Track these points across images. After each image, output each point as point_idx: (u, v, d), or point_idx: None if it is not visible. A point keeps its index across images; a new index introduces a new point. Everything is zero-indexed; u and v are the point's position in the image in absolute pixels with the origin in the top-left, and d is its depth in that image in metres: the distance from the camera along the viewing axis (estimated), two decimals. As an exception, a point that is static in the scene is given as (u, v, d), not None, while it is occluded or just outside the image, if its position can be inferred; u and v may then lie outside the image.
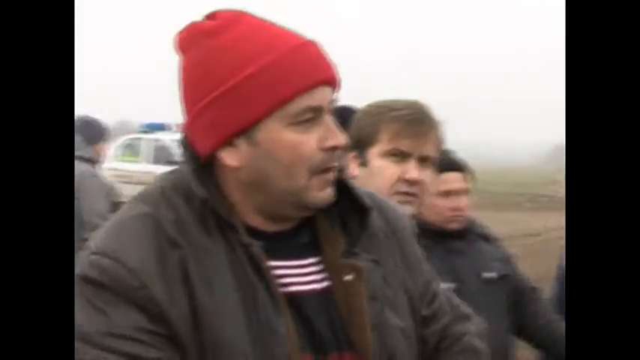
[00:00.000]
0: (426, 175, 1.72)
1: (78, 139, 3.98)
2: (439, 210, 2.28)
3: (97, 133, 4.26)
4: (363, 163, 1.72)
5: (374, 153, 1.71)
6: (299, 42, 1.02)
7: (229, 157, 1.02)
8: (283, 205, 1.05)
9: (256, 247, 1.02)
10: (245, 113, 0.99)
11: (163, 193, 1.05)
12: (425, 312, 1.18)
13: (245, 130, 1.00)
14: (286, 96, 0.99)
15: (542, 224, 12.22)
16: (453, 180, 2.29)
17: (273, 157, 1.01)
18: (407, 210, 1.65)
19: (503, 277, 2.39)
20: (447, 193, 2.27)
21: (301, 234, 1.09)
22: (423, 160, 1.71)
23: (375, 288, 1.10)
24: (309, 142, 1.01)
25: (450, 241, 2.33)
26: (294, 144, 1.01)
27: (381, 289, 1.11)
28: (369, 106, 1.78)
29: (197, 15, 1.07)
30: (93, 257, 0.99)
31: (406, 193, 1.69)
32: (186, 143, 1.07)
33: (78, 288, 0.98)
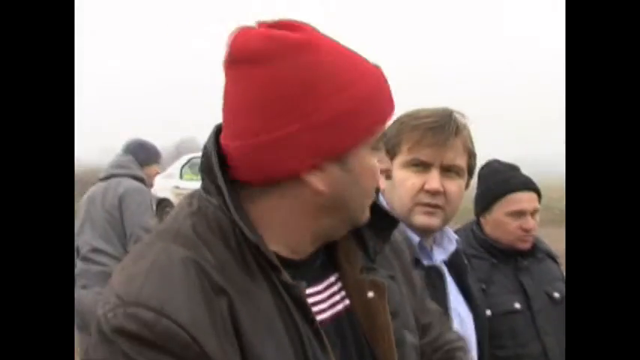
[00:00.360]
0: (451, 184, 1.63)
1: (130, 159, 4.13)
2: (510, 229, 2.26)
3: (149, 155, 4.29)
4: (389, 176, 1.66)
5: (397, 164, 1.65)
6: (376, 69, 1.00)
7: (318, 181, 0.96)
8: (342, 227, 1.04)
9: (301, 287, 0.97)
10: (345, 140, 0.95)
11: (197, 232, 0.94)
12: (423, 321, 1.20)
13: (340, 156, 0.96)
14: (378, 124, 0.99)
15: None
16: (525, 200, 2.27)
17: (359, 182, 1.00)
18: (430, 222, 1.62)
19: None
20: (519, 214, 2.25)
21: (318, 255, 1.06)
22: (447, 170, 1.63)
23: (395, 305, 1.09)
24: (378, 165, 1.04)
25: (518, 259, 2.30)
26: (375, 169, 1.02)
27: (399, 306, 1.11)
28: (398, 116, 1.71)
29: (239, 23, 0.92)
30: (130, 310, 0.86)
31: (428, 204, 1.62)
32: (215, 167, 0.96)
33: (108, 342, 0.86)
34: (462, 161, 1.65)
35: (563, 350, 2.21)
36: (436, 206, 1.63)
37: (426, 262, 1.67)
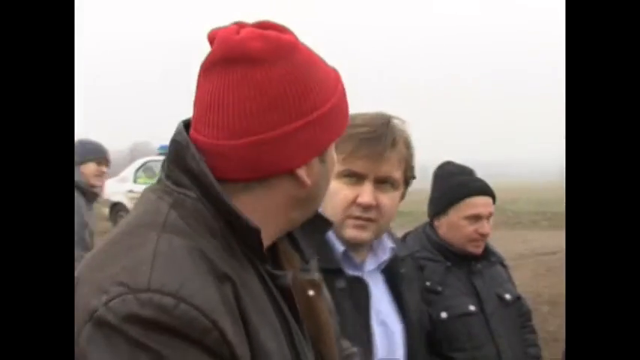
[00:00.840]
0: (384, 197, 1.59)
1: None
2: (465, 233, 2.27)
3: (82, 152, 3.99)
4: None
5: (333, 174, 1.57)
6: (337, 74, 1.08)
7: (305, 176, 1.00)
8: (302, 220, 1.08)
9: (288, 277, 1.00)
10: (331, 135, 1.01)
11: (187, 222, 0.94)
12: None
13: (324, 151, 1.03)
14: (348, 118, 1.06)
15: (558, 243, 11.96)
16: (481, 204, 2.29)
17: (329, 175, 1.07)
18: (360, 235, 1.57)
19: (517, 299, 2.40)
20: (475, 218, 2.27)
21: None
22: (381, 182, 1.58)
23: (328, 303, 1.14)
24: None
25: (472, 263, 2.33)
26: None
27: (330, 304, 1.16)
28: None
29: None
30: (143, 296, 0.84)
31: (360, 218, 1.58)
32: (196, 159, 0.96)
33: (113, 332, 0.83)
34: (397, 173, 1.61)
35: (516, 353, 2.25)
36: (368, 219, 1.59)
37: (350, 272, 1.63)
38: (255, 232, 0.96)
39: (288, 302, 1.00)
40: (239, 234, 0.96)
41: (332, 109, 1.00)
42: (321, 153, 1.01)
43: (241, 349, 0.88)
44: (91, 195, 4.12)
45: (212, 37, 0.98)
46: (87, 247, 3.82)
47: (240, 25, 0.98)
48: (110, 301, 0.84)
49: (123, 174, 15.02)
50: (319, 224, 1.12)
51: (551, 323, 6.11)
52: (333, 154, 1.06)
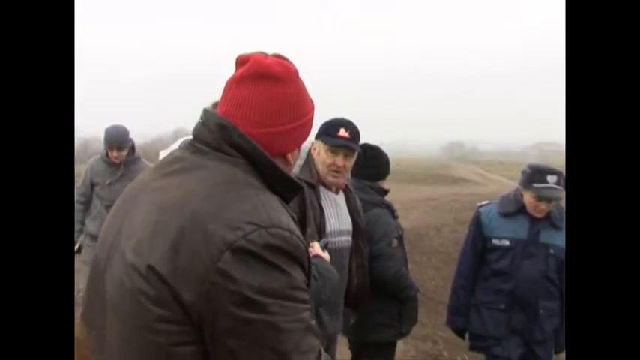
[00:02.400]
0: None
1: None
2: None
3: (107, 138, 4.86)
4: None
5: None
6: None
7: (291, 158, 1.44)
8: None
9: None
10: (307, 135, 1.47)
11: (258, 182, 1.34)
12: None
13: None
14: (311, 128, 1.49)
15: (439, 193, 18.35)
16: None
17: (296, 159, 1.51)
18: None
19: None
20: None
21: None
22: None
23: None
24: None
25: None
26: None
27: None
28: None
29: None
30: (272, 230, 1.21)
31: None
32: (251, 140, 1.33)
33: (254, 257, 1.18)
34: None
35: None
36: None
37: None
38: (298, 187, 1.42)
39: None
40: (279, 191, 1.37)
41: (312, 117, 1.45)
42: (299, 145, 1.45)
43: (309, 265, 1.32)
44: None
45: (243, 59, 1.40)
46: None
47: (264, 53, 1.41)
48: (248, 234, 1.18)
49: (171, 147, 22.57)
50: (295, 186, 1.43)
51: (435, 242, 10.19)
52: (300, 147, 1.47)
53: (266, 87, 1.36)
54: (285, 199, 1.37)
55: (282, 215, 1.25)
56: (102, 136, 4.98)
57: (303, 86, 1.43)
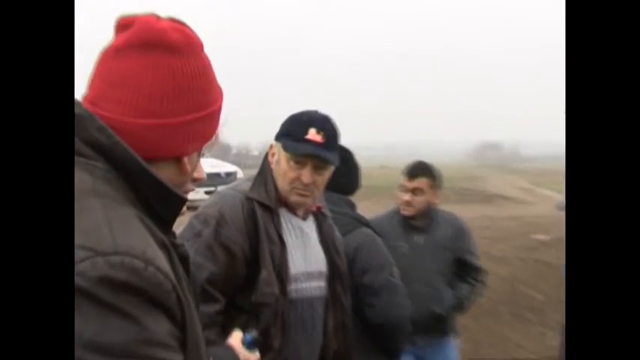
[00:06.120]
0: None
1: None
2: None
3: None
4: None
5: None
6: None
7: (187, 164, 1.08)
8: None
9: (186, 247, 1.10)
10: (213, 131, 1.11)
11: (101, 190, 0.96)
12: None
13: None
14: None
15: (466, 214, 13.69)
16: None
17: (195, 167, 1.14)
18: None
19: None
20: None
21: None
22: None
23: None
24: None
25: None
26: None
27: None
28: None
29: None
30: (113, 258, 0.85)
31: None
32: (114, 135, 0.99)
33: (84, 296, 0.83)
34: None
35: None
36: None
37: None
38: (182, 202, 1.05)
39: (184, 268, 1.05)
40: (156, 204, 1.01)
41: (220, 106, 1.10)
42: (203, 146, 1.11)
43: (185, 310, 0.95)
44: None
45: (125, 22, 1.03)
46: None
47: (157, 16, 1.05)
48: (77, 264, 0.83)
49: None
50: (177, 199, 1.06)
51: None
52: (201, 150, 1.12)
53: (156, 60, 1.02)
54: (163, 218, 1.04)
55: (135, 238, 0.91)
56: None
57: (209, 65, 1.09)
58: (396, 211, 3.37)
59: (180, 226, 1.59)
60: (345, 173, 2.60)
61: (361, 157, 2.40)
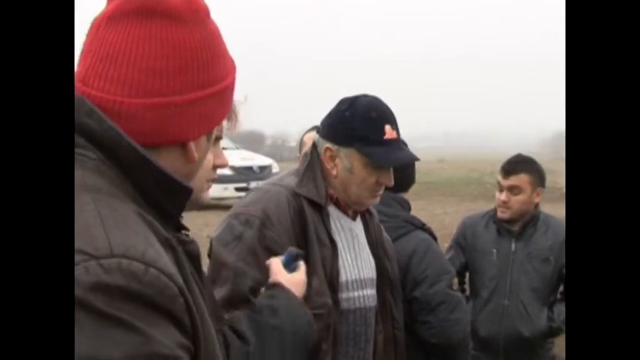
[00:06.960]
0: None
1: None
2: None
3: None
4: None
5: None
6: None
7: (195, 150, 0.96)
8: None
9: (196, 244, 1.00)
10: (225, 112, 1.00)
11: (92, 183, 0.85)
12: None
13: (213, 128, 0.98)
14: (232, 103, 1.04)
15: None
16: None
17: (207, 154, 1.03)
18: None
19: None
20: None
21: None
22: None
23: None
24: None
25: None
26: None
27: None
28: None
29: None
30: (108, 262, 0.75)
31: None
32: (106, 120, 0.87)
33: (77, 303, 0.73)
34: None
35: None
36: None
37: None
38: (188, 193, 0.94)
39: (195, 267, 0.96)
40: (158, 197, 0.91)
41: (232, 83, 0.98)
42: (212, 129, 0.98)
43: (196, 317, 0.85)
44: None
45: None
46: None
47: None
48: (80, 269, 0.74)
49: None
50: (182, 190, 0.95)
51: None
52: (211, 134, 1.00)
53: (156, 30, 0.90)
54: (168, 212, 0.94)
55: (134, 237, 0.80)
56: None
57: (218, 34, 0.97)
58: (495, 212, 3.00)
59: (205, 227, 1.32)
60: (397, 167, 2.19)
61: (416, 150, 2.13)
